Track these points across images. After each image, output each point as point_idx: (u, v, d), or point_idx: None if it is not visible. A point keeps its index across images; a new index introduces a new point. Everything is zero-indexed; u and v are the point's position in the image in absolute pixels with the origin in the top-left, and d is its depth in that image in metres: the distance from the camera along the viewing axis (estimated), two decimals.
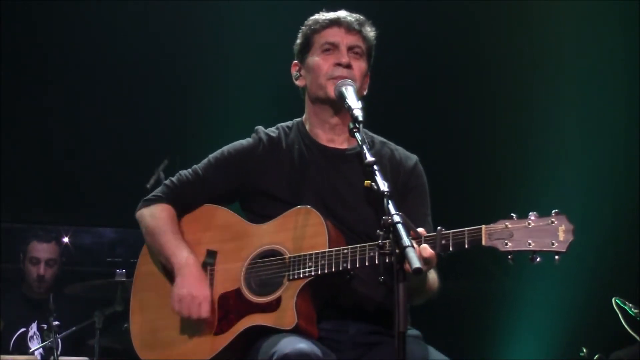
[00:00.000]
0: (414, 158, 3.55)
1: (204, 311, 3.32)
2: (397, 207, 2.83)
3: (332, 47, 3.45)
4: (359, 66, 3.45)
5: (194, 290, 3.33)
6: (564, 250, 2.92)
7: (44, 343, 5.80)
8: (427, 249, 2.99)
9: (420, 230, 3.05)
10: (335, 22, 3.48)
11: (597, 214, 6.56)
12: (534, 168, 7.02)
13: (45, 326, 6.16)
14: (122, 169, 7.15)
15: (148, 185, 5.67)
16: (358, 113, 3.17)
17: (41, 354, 5.83)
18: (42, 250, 6.51)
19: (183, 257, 3.39)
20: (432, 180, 3.55)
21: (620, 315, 5.85)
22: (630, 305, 5.83)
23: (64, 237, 7.43)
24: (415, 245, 2.83)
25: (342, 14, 3.50)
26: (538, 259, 2.94)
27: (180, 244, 3.44)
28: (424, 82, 7.15)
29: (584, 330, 6.65)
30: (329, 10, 3.53)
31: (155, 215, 3.51)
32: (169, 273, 3.48)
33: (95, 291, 5.84)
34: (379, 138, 3.57)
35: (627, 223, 6.81)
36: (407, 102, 7.12)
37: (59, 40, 6.99)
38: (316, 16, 3.54)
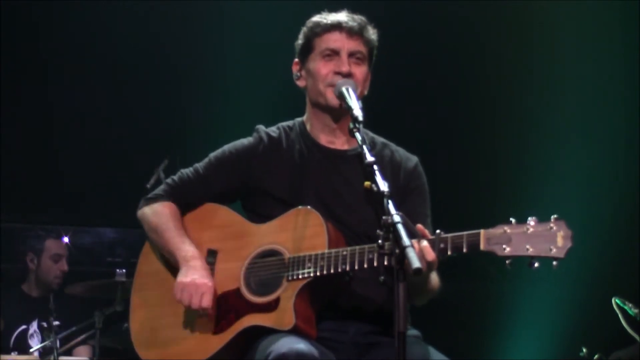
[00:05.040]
0: (414, 159, 3.54)
1: (206, 301, 3.28)
2: (397, 208, 2.83)
3: (333, 54, 3.41)
4: (360, 71, 3.42)
5: (198, 279, 3.30)
6: (562, 256, 2.90)
7: (44, 343, 5.81)
8: (430, 253, 2.99)
9: (419, 226, 3.05)
10: (337, 27, 3.42)
11: (597, 214, 6.56)
12: (534, 167, 7.02)
13: (45, 324, 6.17)
14: (122, 169, 7.14)
15: (148, 185, 5.67)
16: (358, 113, 3.17)
17: (40, 352, 5.84)
18: (61, 247, 6.66)
19: (189, 251, 3.39)
20: (432, 183, 3.54)
21: (620, 315, 5.83)
22: (630, 305, 5.81)
23: (63, 237, 7.44)
24: (416, 245, 2.83)
25: (343, 17, 3.44)
26: (536, 265, 2.93)
27: (185, 239, 3.43)
28: (424, 84, 7.14)
29: (584, 330, 6.65)
30: (330, 10, 3.48)
31: (157, 212, 3.51)
32: (170, 272, 3.48)
33: (95, 291, 5.85)
34: (379, 139, 3.55)
35: (627, 223, 6.81)
36: (407, 104, 7.12)
37: (59, 39, 6.98)
38: (317, 18, 3.49)
